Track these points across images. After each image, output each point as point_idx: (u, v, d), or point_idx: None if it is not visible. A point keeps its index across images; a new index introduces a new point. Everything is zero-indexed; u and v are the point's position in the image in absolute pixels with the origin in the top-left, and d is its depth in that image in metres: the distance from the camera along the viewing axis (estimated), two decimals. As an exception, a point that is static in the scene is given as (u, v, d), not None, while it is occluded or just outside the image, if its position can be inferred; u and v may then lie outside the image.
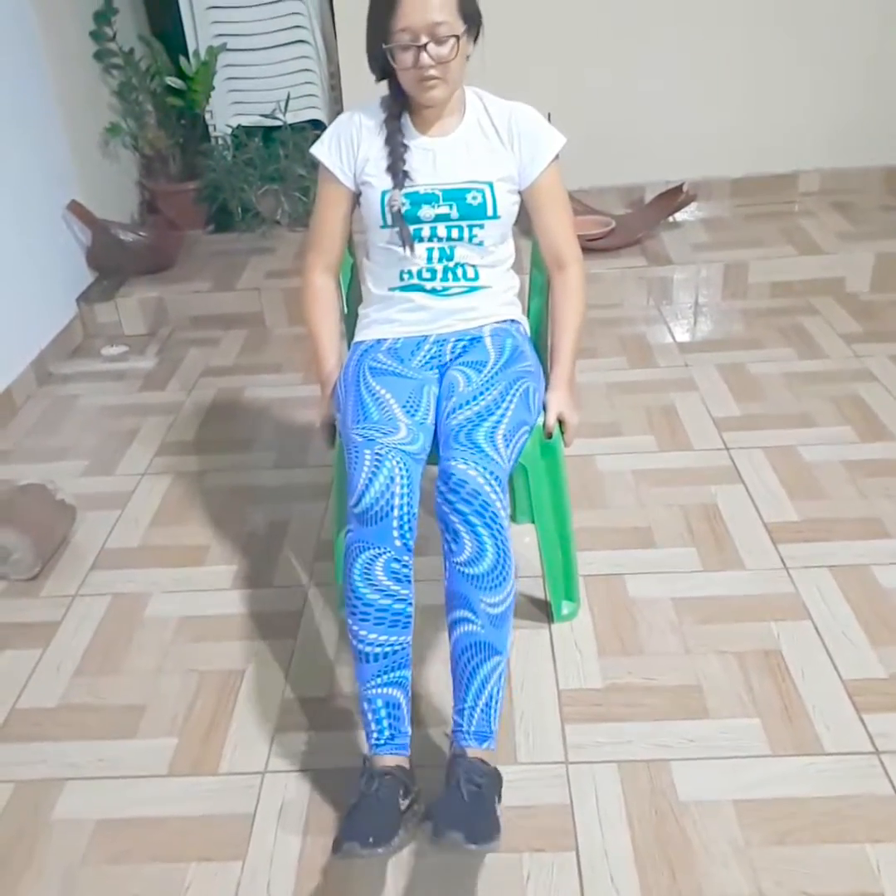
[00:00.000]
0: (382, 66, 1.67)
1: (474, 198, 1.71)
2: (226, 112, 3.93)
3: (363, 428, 1.59)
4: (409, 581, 1.52)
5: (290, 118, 3.83)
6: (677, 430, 2.60)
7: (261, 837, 1.53)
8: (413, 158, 1.72)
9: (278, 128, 3.84)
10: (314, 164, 1.82)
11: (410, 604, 1.52)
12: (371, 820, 1.37)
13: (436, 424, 1.66)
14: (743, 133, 3.87)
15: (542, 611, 1.96)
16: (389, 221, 1.72)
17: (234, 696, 1.81)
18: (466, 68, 1.69)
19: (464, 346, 1.77)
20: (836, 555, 2.07)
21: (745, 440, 2.52)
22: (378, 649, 1.49)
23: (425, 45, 1.57)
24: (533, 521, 1.87)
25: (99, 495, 2.49)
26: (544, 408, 1.76)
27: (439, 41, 1.58)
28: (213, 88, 3.79)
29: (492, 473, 1.49)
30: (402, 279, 1.77)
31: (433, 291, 1.76)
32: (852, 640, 1.84)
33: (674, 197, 3.56)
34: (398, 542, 1.50)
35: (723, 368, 2.91)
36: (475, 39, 1.68)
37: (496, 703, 1.50)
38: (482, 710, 1.48)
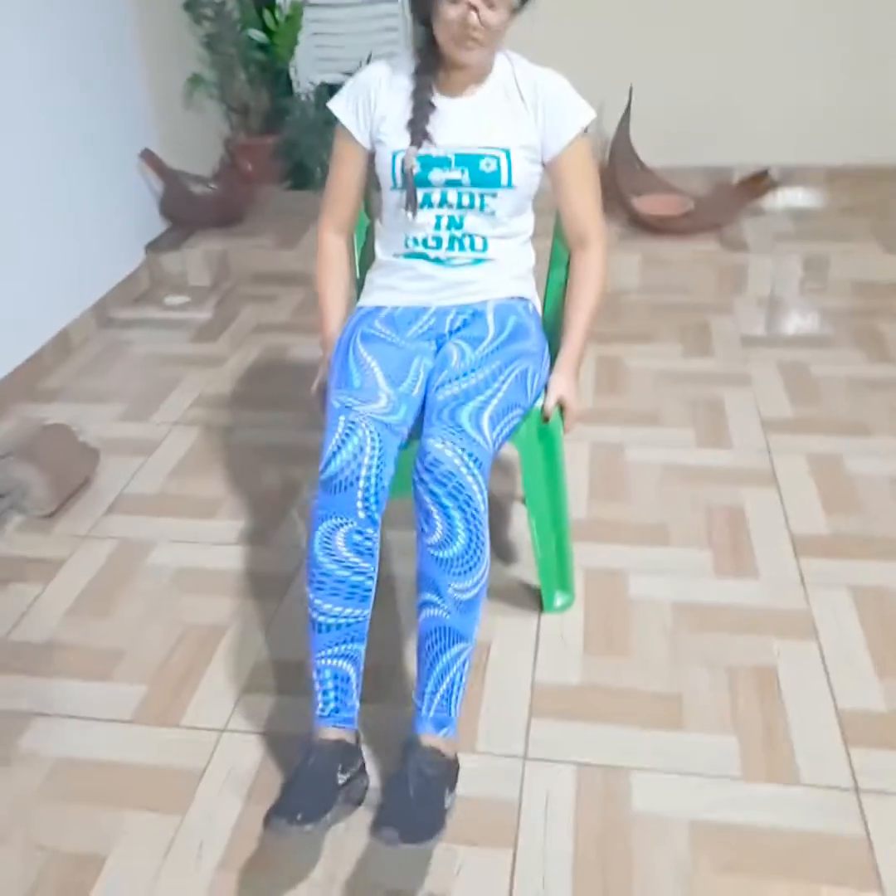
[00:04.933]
0: (425, 12, 1.59)
1: (488, 164, 1.64)
2: (310, 68, 3.92)
3: (342, 394, 1.56)
4: (372, 555, 1.48)
5: (373, 78, 3.78)
6: (720, 427, 2.47)
7: (205, 795, 1.53)
8: (432, 117, 1.65)
9: (361, 87, 3.80)
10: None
11: (371, 577, 1.48)
12: (302, 795, 1.35)
13: (424, 398, 1.61)
14: (844, 117, 3.64)
15: (536, 599, 1.89)
16: (399, 183, 1.67)
17: (212, 652, 1.81)
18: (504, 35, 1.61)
19: (464, 320, 1.71)
20: (860, 574, 1.93)
21: (789, 444, 2.38)
22: (332, 620, 1.46)
23: (476, 6, 1.51)
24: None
25: (129, 440, 2.53)
26: (546, 389, 1.69)
27: (491, 5, 1.52)
28: (297, 43, 3.78)
29: (471, 455, 1.44)
30: (407, 246, 1.72)
31: (437, 260, 1.71)
32: (857, 667, 1.72)
33: (758, 182, 3.38)
34: (362, 514, 1.46)
35: (783, 366, 2.76)
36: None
37: (458, 689, 1.46)
38: (443, 696, 1.45)
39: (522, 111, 1.66)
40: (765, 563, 1.98)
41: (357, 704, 1.48)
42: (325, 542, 1.46)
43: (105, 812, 1.51)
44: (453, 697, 1.46)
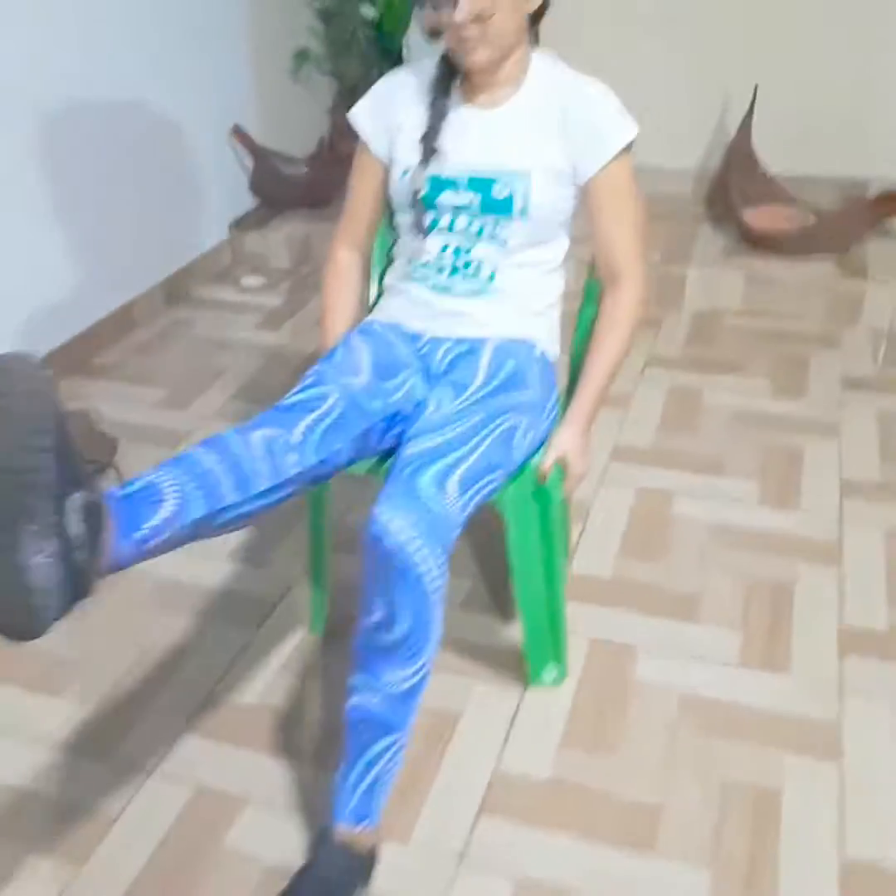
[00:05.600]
0: (428, 25, 1.41)
1: (501, 189, 1.44)
2: (421, 48, 3.74)
3: (322, 365, 1.44)
4: (279, 472, 1.25)
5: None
6: (790, 484, 2.18)
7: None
8: (448, 132, 1.47)
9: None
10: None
11: (266, 481, 1.23)
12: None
13: (399, 415, 1.46)
14: None
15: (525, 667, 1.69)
16: (408, 203, 1.50)
17: (164, 680, 1.69)
18: (523, 28, 1.41)
19: (456, 357, 1.51)
20: (914, 688, 1.64)
21: (867, 514, 2.07)
22: (193, 458, 1.20)
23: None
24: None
25: (159, 430, 2.44)
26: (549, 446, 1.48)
27: None
28: (409, 22, 3.60)
29: (427, 528, 1.22)
30: (411, 271, 1.55)
31: (435, 287, 1.52)
32: (881, 806, 1.44)
33: (889, 203, 2.99)
34: (297, 435, 1.28)
35: (885, 418, 2.42)
36: None
37: (384, 784, 1.31)
38: (364, 791, 1.29)
39: (552, 127, 1.44)
40: (801, 656, 1.71)
41: (143, 527, 1.12)
42: (242, 429, 1.27)
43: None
44: (377, 791, 1.30)
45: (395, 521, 1.21)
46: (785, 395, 2.54)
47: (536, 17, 1.43)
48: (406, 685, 1.26)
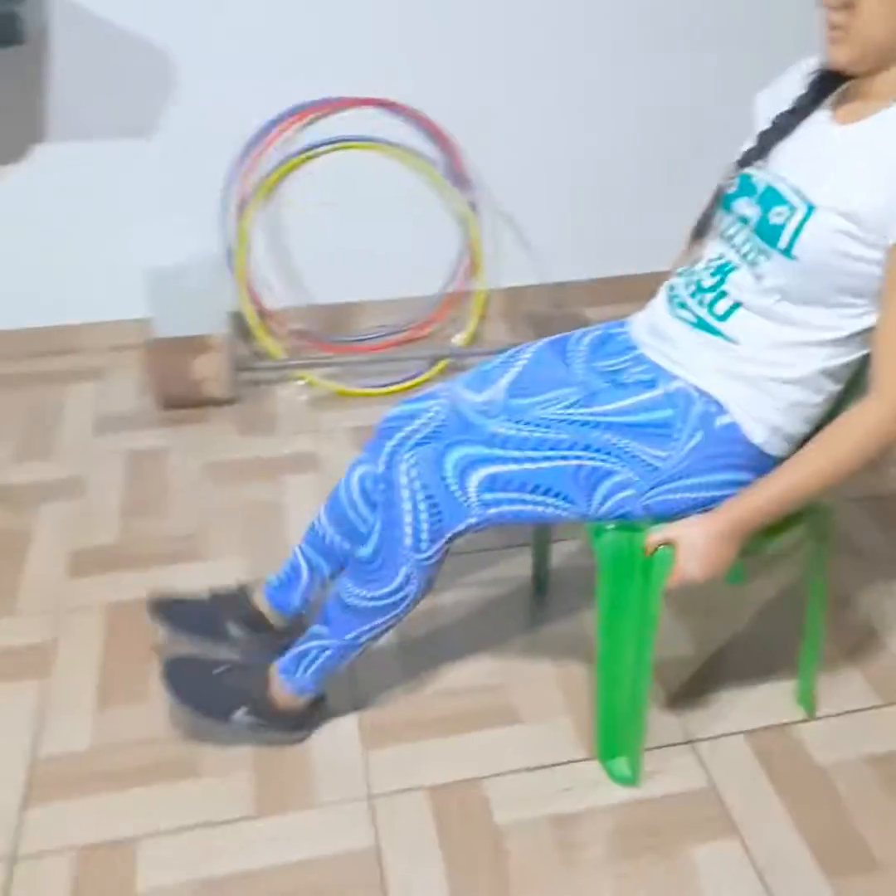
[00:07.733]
0: None
1: (779, 215, 1.18)
2: None
3: (468, 374, 1.47)
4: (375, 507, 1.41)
5: None
6: None
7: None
8: (796, 135, 1.23)
9: None
10: None
11: (367, 521, 1.47)
12: (188, 610, 1.56)
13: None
14: None
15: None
16: (716, 197, 1.32)
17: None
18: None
19: (636, 380, 1.32)
20: None
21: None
22: (320, 529, 1.52)
23: None
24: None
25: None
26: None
27: None
28: None
29: (435, 497, 1.22)
30: (685, 269, 1.35)
31: (673, 300, 1.32)
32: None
33: None
34: (382, 467, 1.43)
35: None
36: None
37: (310, 663, 1.38)
38: (296, 654, 1.40)
39: (885, 169, 1.10)
40: None
41: (295, 600, 1.54)
42: (350, 472, 1.51)
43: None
44: (302, 663, 1.39)
45: (413, 471, 1.24)
46: None
47: None
48: (349, 599, 1.32)
